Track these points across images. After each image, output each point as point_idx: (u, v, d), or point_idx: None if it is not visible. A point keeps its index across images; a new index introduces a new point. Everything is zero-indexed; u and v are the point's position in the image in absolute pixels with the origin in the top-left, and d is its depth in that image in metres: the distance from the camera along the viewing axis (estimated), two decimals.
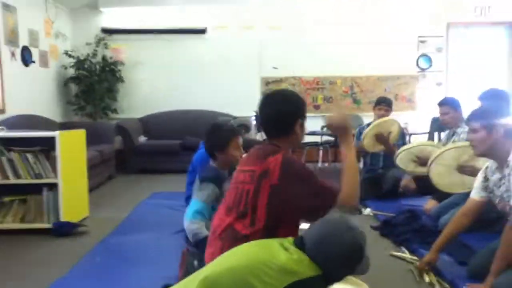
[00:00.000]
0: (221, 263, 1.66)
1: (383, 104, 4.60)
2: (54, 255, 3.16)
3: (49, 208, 3.60)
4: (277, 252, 1.59)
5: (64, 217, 3.60)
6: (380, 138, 4.29)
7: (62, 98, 6.71)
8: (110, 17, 7.08)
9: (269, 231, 1.86)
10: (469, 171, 3.14)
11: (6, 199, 3.64)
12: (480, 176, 2.58)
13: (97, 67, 6.74)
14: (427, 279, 2.55)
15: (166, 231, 3.48)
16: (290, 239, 1.70)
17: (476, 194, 2.58)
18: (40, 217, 3.62)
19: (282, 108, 2.01)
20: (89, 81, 6.58)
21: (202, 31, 7.14)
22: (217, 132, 2.94)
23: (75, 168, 3.90)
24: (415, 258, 2.88)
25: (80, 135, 4.04)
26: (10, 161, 3.56)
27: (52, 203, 3.61)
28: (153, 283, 2.43)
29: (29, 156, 3.56)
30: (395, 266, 2.84)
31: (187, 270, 2.41)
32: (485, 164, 2.60)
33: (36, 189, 3.61)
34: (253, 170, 1.95)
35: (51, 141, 3.58)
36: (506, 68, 7.41)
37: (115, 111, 6.90)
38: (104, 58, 6.82)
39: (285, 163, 1.89)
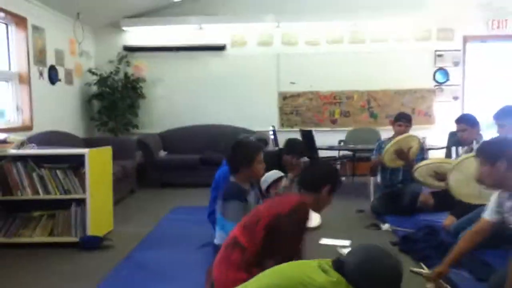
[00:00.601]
0: (263, 280, 1.75)
1: (403, 120, 4.65)
2: (82, 268, 3.28)
3: (76, 222, 3.74)
4: (316, 273, 1.68)
5: (90, 231, 3.74)
6: (401, 154, 4.34)
7: (86, 114, 6.93)
8: (132, 36, 7.30)
9: (263, 251, 2.22)
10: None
11: (36, 213, 3.80)
12: (493, 200, 2.62)
13: (119, 84, 6.94)
14: None
15: (190, 246, 3.57)
16: (328, 261, 1.77)
17: (489, 215, 2.62)
18: (68, 231, 3.75)
19: (320, 171, 2.53)
20: (111, 98, 6.78)
21: (221, 48, 7.30)
22: (243, 148, 3.06)
23: (102, 184, 4.03)
24: None
25: (107, 152, 4.18)
26: (41, 177, 3.72)
27: (80, 218, 3.74)
28: None
29: (58, 172, 3.72)
30: (415, 282, 2.87)
31: (212, 286, 2.51)
32: None
33: (64, 204, 3.76)
34: (273, 203, 2.41)
35: (80, 158, 3.73)
36: None
37: (136, 126, 7.08)
38: (126, 75, 7.03)
39: (299, 207, 2.28)
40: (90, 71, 6.81)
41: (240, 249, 2.23)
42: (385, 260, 1.70)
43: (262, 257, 2.20)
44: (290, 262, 1.86)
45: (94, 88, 6.95)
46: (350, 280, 1.67)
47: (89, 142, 5.78)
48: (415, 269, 3.05)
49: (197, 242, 3.64)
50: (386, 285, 1.69)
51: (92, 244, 3.65)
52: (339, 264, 1.73)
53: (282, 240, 2.21)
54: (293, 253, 2.30)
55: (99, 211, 3.92)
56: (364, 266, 1.68)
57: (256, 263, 2.18)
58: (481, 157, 2.50)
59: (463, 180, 3.39)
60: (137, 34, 7.29)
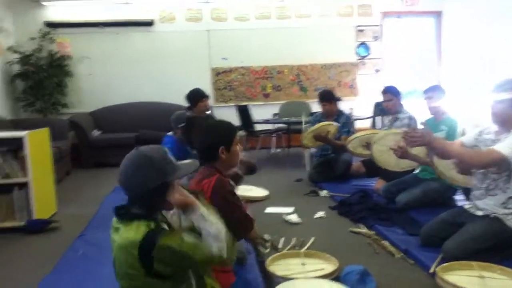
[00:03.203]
0: None
1: (324, 101, 4.94)
2: (32, 252, 3.25)
3: (20, 206, 3.65)
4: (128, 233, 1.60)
5: (36, 215, 3.67)
6: (318, 137, 4.68)
7: (10, 95, 6.54)
8: (54, 11, 6.93)
9: None
10: (400, 152, 3.44)
11: None
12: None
13: (44, 62, 6.61)
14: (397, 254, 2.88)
15: None
16: (114, 220, 1.73)
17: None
18: (11, 216, 3.66)
19: (205, 140, 2.26)
20: (37, 77, 6.45)
21: (149, 24, 7.18)
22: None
23: (42, 166, 3.94)
24: (372, 232, 3.26)
25: (44, 133, 4.07)
26: None
27: (23, 202, 3.66)
28: None
29: None
30: (355, 241, 3.19)
31: None
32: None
33: (5, 189, 3.64)
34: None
35: (17, 141, 3.61)
36: (435, 55, 8.06)
37: (65, 106, 6.82)
38: (50, 52, 6.70)
39: (217, 186, 2.13)
40: (10, 49, 6.40)
41: None
42: (129, 156, 1.66)
43: None
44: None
45: (17, 67, 6.55)
46: (130, 197, 1.65)
47: (17, 124, 5.54)
48: (355, 229, 3.38)
49: None
50: (139, 170, 1.62)
51: (40, 227, 3.60)
52: (120, 210, 1.70)
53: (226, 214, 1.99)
54: (243, 220, 2.23)
55: (42, 194, 3.85)
56: (122, 173, 1.64)
57: None
58: (508, 91, 2.55)
59: (385, 150, 3.76)
60: (59, 9, 6.93)
